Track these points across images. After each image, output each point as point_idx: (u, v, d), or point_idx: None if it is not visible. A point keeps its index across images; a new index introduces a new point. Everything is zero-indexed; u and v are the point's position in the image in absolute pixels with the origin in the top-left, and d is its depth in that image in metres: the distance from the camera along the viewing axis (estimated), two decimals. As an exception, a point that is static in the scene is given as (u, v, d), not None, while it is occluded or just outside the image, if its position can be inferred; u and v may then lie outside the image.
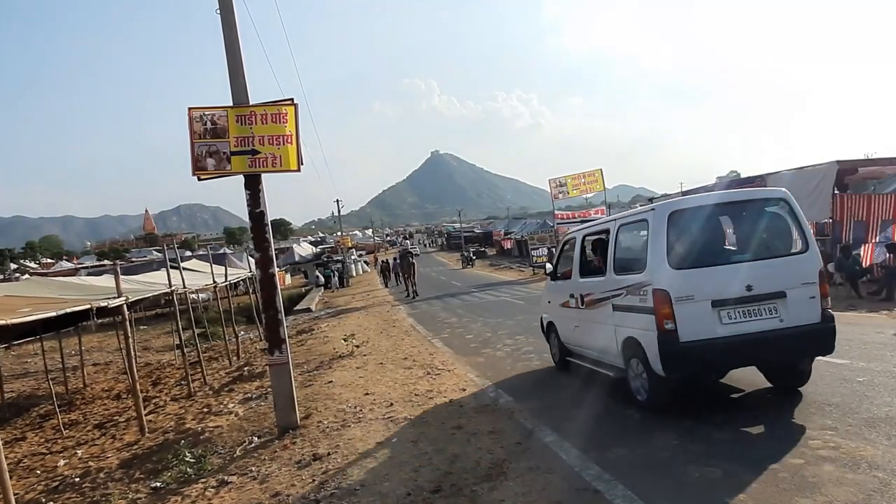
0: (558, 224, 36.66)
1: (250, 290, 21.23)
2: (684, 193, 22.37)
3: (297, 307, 26.39)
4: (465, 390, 7.70)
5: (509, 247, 54.78)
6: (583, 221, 36.87)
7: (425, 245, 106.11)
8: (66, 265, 55.28)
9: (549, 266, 8.52)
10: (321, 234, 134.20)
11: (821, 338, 5.37)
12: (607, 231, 6.40)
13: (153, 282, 13.25)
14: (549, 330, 8.38)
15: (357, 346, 11.72)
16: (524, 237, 47.84)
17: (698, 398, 6.02)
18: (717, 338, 5.09)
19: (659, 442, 4.97)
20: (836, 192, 14.68)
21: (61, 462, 8.19)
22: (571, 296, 7.14)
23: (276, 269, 7.13)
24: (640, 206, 9.43)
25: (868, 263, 13.60)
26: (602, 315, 6.30)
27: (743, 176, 24.41)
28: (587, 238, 7.14)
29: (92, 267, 41.43)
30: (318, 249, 67.26)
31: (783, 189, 5.77)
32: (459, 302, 20.91)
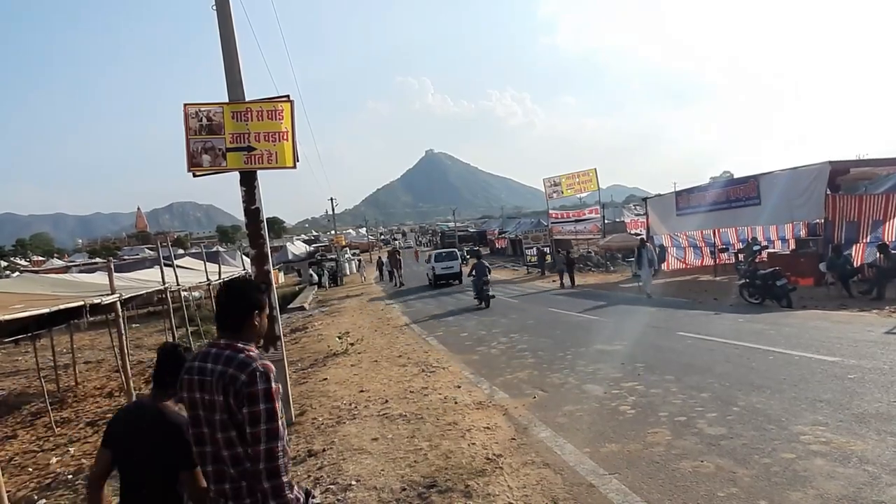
0: (552, 223, 36.75)
1: (244, 289, 21.15)
2: (678, 193, 22.48)
3: (291, 305, 26.31)
4: (459, 387, 7.72)
5: (503, 246, 54.86)
6: (577, 221, 37.11)
7: (420, 244, 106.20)
8: (57, 263, 54.88)
9: (430, 257, 31.64)
10: (315, 233, 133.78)
11: (459, 275, 27.92)
12: (431, 254, 33.18)
13: (146, 279, 13.18)
14: (427, 275, 30.00)
15: (351, 344, 11.72)
16: (518, 236, 47.92)
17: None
18: (440, 273, 27.98)
19: (652, 438, 5.02)
20: (828, 192, 14.78)
21: (53, 460, 8.14)
22: (432, 268, 28.64)
23: (272, 267, 7.12)
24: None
25: (859, 263, 13.72)
26: (428, 267, 30.25)
27: (736, 176, 24.56)
28: (430, 254, 34.01)
29: (84, 265, 41.13)
30: (312, 248, 67.07)
31: (464, 251, 39.78)
32: (454, 300, 20.92)
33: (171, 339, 13.74)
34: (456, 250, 32.34)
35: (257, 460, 2.05)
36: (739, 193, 18.46)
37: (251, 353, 2.19)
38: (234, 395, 2.08)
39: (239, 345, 2.22)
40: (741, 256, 15.89)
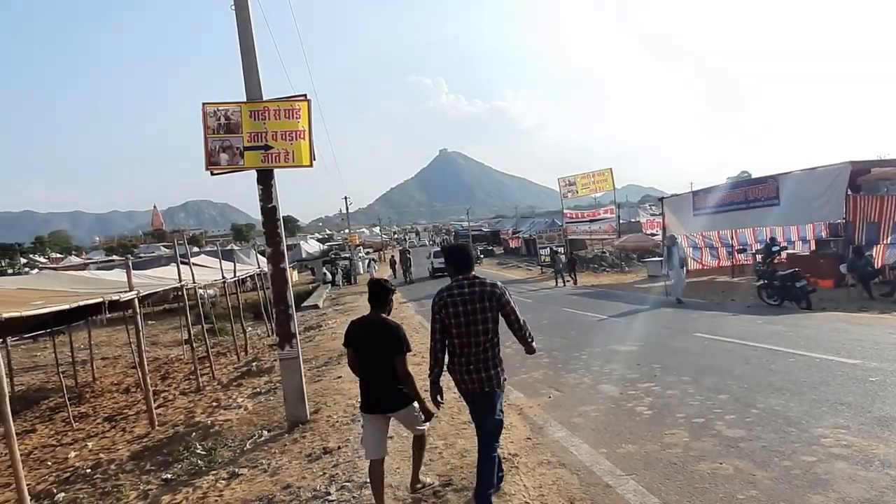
0: (567, 223, 36.60)
1: (258, 286, 21.33)
2: (694, 193, 22.28)
3: (305, 303, 26.45)
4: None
5: (517, 245, 54.68)
6: (591, 221, 36.95)
7: (434, 243, 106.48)
8: (75, 260, 55.62)
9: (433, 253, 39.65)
10: (328, 232, 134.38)
11: None
12: (431, 251, 43.52)
13: (163, 276, 13.33)
14: (427, 269, 38.27)
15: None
16: (532, 236, 47.77)
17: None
18: (437, 267, 33.38)
19: (670, 439, 4.96)
20: (849, 192, 14.54)
21: (72, 454, 8.26)
22: (431, 263, 36.64)
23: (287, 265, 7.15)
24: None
25: (880, 264, 13.49)
26: (429, 262, 38.14)
27: (754, 176, 24.24)
28: (430, 251, 44.11)
29: (101, 262, 41.67)
30: (326, 247, 67.42)
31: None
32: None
33: (186, 337, 13.92)
34: None
35: (522, 328, 3.90)
36: (758, 193, 18.24)
37: (488, 279, 3.88)
38: (496, 301, 3.77)
39: (478, 276, 3.89)
40: (759, 257, 15.66)
